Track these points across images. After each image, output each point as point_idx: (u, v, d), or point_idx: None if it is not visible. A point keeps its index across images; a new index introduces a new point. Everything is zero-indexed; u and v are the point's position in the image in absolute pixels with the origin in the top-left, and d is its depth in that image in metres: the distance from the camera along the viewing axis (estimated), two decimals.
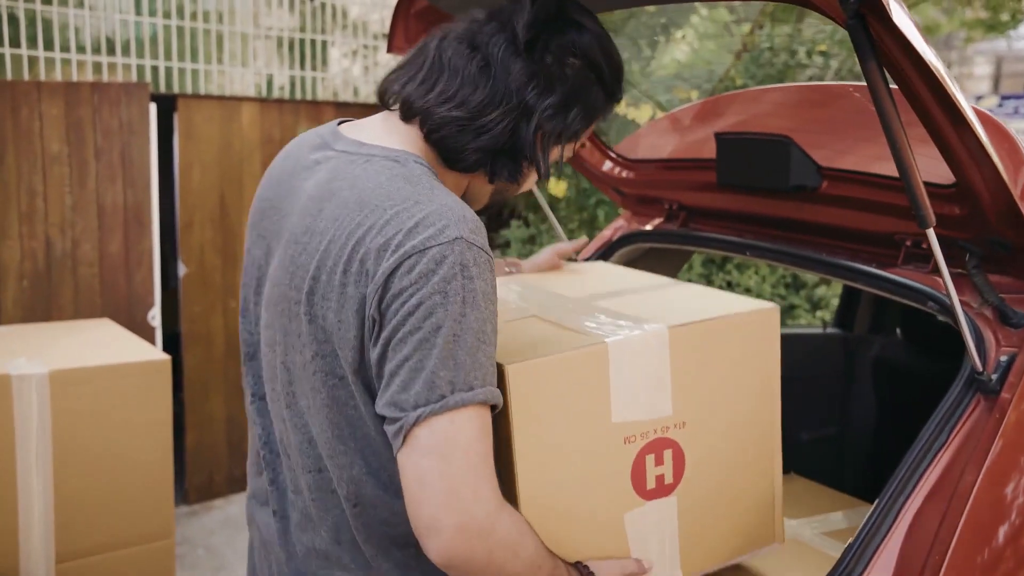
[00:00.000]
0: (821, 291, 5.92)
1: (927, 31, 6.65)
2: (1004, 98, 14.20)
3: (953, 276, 1.59)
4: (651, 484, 1.44)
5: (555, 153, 1.34)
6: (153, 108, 3.85)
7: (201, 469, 4.58)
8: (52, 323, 3.48)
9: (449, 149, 1.27)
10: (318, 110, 5.05)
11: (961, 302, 1.63)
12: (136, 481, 2.90)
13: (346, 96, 5.10)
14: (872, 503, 2.18)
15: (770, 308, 1.54)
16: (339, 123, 1.38)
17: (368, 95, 5.16)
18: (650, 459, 1.43)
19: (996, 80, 15.48)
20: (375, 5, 5.18)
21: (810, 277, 5.82)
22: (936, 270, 1.84)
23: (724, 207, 2.49)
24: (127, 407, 2.85)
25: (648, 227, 2.76)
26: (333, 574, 1.27)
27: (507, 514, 1.13)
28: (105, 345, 3.09)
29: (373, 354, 1.13)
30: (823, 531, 2.08)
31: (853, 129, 2.11)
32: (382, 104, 1.35)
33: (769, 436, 1.57)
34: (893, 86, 1.41)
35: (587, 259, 2.84)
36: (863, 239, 2.09)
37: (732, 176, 2.31)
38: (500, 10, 1.33)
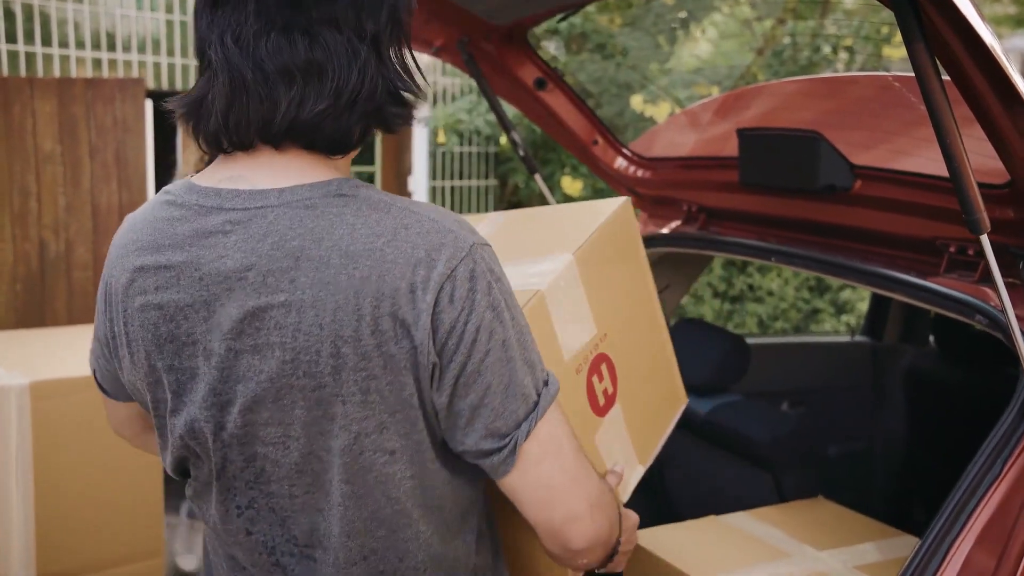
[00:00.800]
0: (846, 295, 5.72)
1: None
2: None
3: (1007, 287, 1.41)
4: (601, 401, 1.47)
5: (408, 59, 1.14)
6: (149, 105, 3.71)
7: None
8: (39, 330, 3.34)
9: (336, 140, 1.07)
10: None
11: (1017, 316, 1.45)
12: (124, 496, 2.76)
13: None
14: (903, 529, 2.01)
15: (625, 201, 1.58)
16: (186, 183, 1.13)
17: None
18: (595, 379, 1.46)
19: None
20: None
21: (835, 280, 5.63)
22: (984, 279, 1.66)
23: (747, 209, 2.31)
24: None
25: (665, 230, 2.59)
26: None
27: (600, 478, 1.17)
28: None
29: (439, 398, 1.05)
30: (855, 564, 1.90)
31: (890, 124, 1.93)
32: (214, 149, 1.10)
33: (653, 309, 1.65)
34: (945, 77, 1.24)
35: None
36: (900, 244, 1.91)
37: (756, 175, 2.14)
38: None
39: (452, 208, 5.40)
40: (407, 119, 1.13)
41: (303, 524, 1.13)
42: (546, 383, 1.10)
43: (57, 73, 3.84)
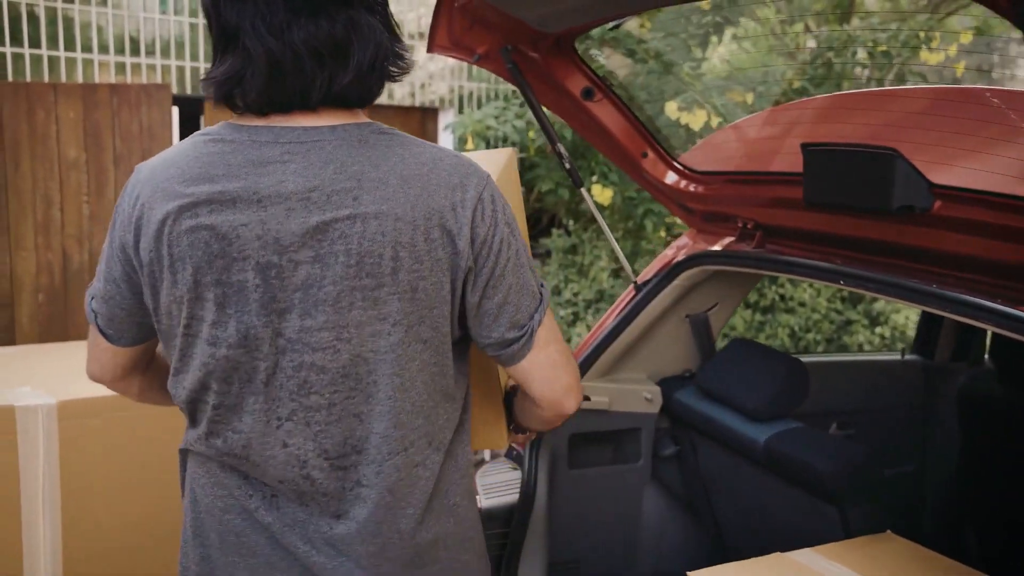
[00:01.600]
0: (879, 306, 5.59)
1: (978, 32, 6.30)
2: None
3: None
4: None
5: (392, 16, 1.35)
6: (175, 111, 3.61)
7: None
8: (64, 344, 3.25)
9: (361, 98, 1.28)
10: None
11: None
12: (150, 518, 2.66)
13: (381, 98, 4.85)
14: (954, 555, 1.89)
15: (511, 150, 1.69)
16: (225, 125, 1.29)
17: (403, 97, 4.92)
18: None
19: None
20: (411, 4, 4.93)
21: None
22: None
23: (810, 227, 2.20)
24: (141, 439, 2.61)
25: (717, 247, 2.47)
26: (447, 530, 1.34)
27: None
28: None
29: (472, 298, 1.27)
30: None
31: (973, 141, 1.81)
32: (253, 113, 1.27)
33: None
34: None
35: (647, 282, 2.56)
36: (983, 269, 1.79)
37: (822, 194, 2.02)
38: None
39: None
40: (406, 71, 1.35)
41: (335, 436, 1.25)
42: (542, 284, 1.35)
43: (80, 78, 3.76)
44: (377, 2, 1.27)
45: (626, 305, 2.57)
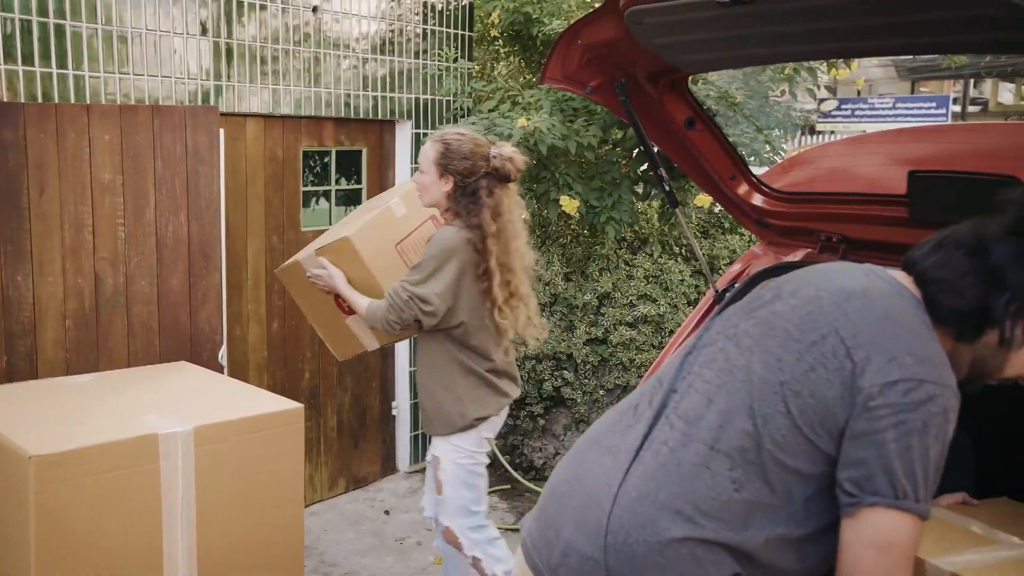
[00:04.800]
0: None
1: None
2: (842, 101, 16.00)
3: None
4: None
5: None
6: (222, 133, 3.60)
7: None
8: (131, 369, 3.21)
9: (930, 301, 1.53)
10: (319, 126, 4.88)
11: None
12: (269, 535, 2.73)
13: (342, 112, 4.91)
14: None
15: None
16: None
17: (367, 111, 5.00)
18: None
19: (834, 87, 16.77)
20: (373, 17, 5.03)
21: None
22: None
23: (895, 240, 2.54)
24: (264, 458, 2.68)
25: (795, 257, 2.79)
26: None
27: None
28: (218, 393, 2.89)
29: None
30: None
31: None
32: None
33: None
34: None
35: (727, 288, 2.85)
36: None
37: (928, 216, 2.36)
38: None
39: None
40: (973, 336, 1.57)
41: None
42: None
43: (117, 99, 3.68)
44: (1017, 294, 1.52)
45: (710, 308, 2.85)
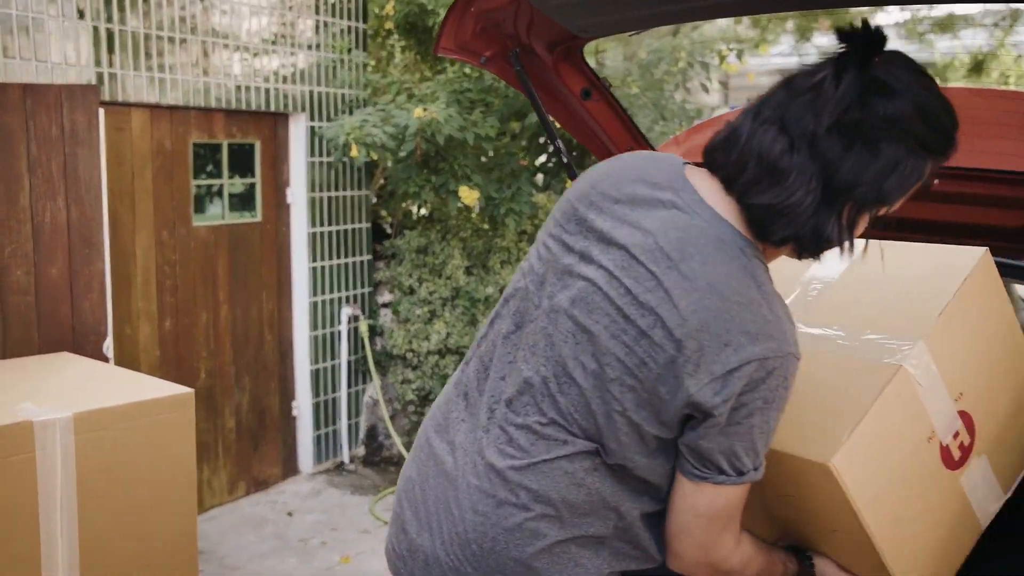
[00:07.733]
0: None
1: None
2: (732, 108, 16.71)
3: None
4: (956, 455, 1.53)
5: (862, 223, 1.36)
6: (101, 112, 3.41)
7: None
8: (6, 361, 3.01)
9: (761, 229, 1.34)
10: (209, 118, 4.72)
11: None
12: (160, 530, 2.59)
13: (235, 104, 4.76)
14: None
15: (984, 253, 1.55)
16: (684, 164, 1.43)
17: (260, 103, 4.87)
18: (950, 439, 1.52)
19: (726, 93, 17.38)
20: (264, 9, 4.90)
21: None
22: None
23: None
24: (151, 446, 2.54)
25: None
26: None
27: None
28: (102, 381, 2.74)
29: None
30: None
31: None
32: (707, 166, 1.40)
33: (1016, 345, 1.62)
34: None
35: None
36: None
37: None
38: (807, 84, 1.29)
39: (328, 216, 5.35)
40: (816, 253, 1.41)
41: None
42: None
43: None
44: (852, 196, 1.31)
45: None
